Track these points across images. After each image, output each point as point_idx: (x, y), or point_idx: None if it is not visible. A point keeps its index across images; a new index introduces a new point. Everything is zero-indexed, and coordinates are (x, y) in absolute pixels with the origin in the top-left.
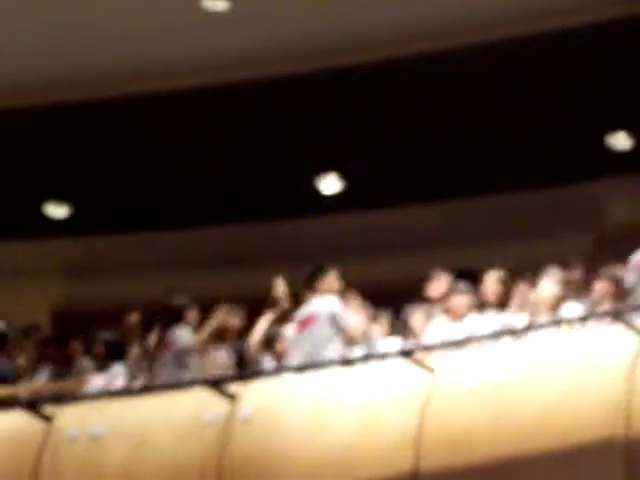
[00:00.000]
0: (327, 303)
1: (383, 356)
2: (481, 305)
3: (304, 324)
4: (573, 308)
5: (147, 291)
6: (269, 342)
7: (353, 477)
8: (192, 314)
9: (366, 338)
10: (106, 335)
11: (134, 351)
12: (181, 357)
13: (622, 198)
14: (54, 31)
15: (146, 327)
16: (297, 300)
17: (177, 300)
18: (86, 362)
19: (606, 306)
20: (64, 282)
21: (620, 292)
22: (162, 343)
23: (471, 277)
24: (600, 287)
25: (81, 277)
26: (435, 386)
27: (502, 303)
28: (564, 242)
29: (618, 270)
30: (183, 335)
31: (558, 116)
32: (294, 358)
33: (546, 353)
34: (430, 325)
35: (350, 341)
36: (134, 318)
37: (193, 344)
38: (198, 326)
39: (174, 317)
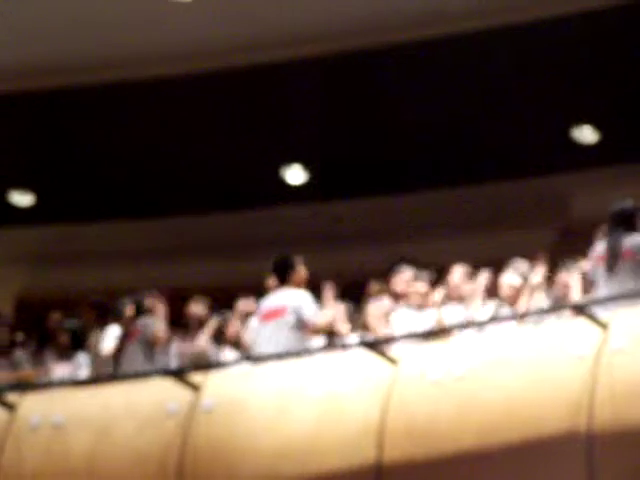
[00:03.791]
0: (295, 297)
1: (346, 347)
2: (446, 298)
3: (269, 316)
4: (538, 301)
5: (112, 280)
6: (219, 328)
7: (315, 468)
8: (160, 306)
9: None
10: (70, 324)
11: (93, 340)
12: (149, 348)
13: (587, 191)
14: (23, 19)
15: (104, 316)
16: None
17: (146, 292)
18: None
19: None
20: (28, 270)
21: (586, 285)
22: (130, 333)
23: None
24: (562, 281)
25: (45, 266)
26: (398, 378)
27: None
28: (529, 235)
29: (583, 263)
30: (151, 325)
31: (525, 109)
32: (256, 348)
33: (509, 345)
34: (391, 317)
35: (314, 335)
36: (86, 307)
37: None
38: (165, 317)
39: (143, 308)
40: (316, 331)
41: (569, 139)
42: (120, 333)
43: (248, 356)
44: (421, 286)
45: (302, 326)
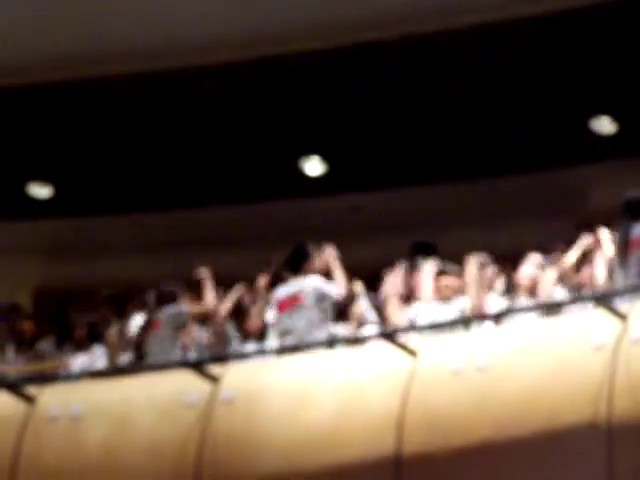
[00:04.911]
0: (310, 281)
1: (365, 338)
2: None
3: (286, 304)
4: (557, 292)
5: (130, 272)
6: (239, 317)
7: (335, 458)
8: (183, 297)
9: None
10: (87, 317)
11: (112, 331)
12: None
13: (605, 182)
14: (39, 11)
15: (121, 308)
16: (276, 280)
17: (168, 284)
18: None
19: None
20: (46, 263)
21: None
22: (151, 324)
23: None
24: (588, 272)
25: (63, 258)
26: (417, 368)
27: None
28: (547, 226)
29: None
30: (180, 313)
31: (543, 100)
32: (276, 338)
33: (529, 336)
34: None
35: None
36: (102, 300)
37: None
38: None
39: (165, 299)
40: (343, 300)
41: (587, 130)
42: (143, 322)
43: (267, 347)
44: (452, 280)
45: (324, 304)
